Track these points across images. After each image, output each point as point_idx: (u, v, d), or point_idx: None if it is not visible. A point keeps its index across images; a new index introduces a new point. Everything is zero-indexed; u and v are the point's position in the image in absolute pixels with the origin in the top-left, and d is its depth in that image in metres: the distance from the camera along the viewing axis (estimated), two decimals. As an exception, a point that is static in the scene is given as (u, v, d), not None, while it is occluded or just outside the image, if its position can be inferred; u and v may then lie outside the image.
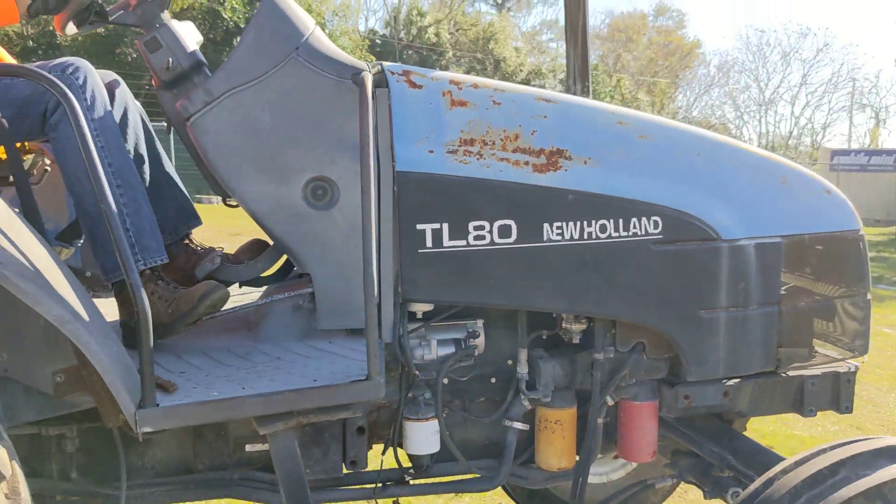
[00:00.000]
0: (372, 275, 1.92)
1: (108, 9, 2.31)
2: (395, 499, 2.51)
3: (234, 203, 2.42)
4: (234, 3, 28.27)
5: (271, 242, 2.47)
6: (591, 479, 3.06)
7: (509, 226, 2.28)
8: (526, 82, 36.44)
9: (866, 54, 73.42)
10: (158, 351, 2.10)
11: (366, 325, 1.96)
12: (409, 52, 34.76)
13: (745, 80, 52.49)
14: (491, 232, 2.28)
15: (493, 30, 36.85)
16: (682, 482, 3.36)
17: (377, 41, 33.72)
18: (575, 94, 2.70)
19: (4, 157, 2.32)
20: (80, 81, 2.06)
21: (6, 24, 2.22)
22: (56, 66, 2.06)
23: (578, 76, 2.75)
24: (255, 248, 2.66)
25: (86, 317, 1.76)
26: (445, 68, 35.47)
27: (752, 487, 2.03)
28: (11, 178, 2.19)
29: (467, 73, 35.12)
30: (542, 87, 37.45)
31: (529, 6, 46.11)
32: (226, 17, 28.04)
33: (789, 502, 1.91)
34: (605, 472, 3.50)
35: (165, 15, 2.30)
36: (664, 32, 46.04)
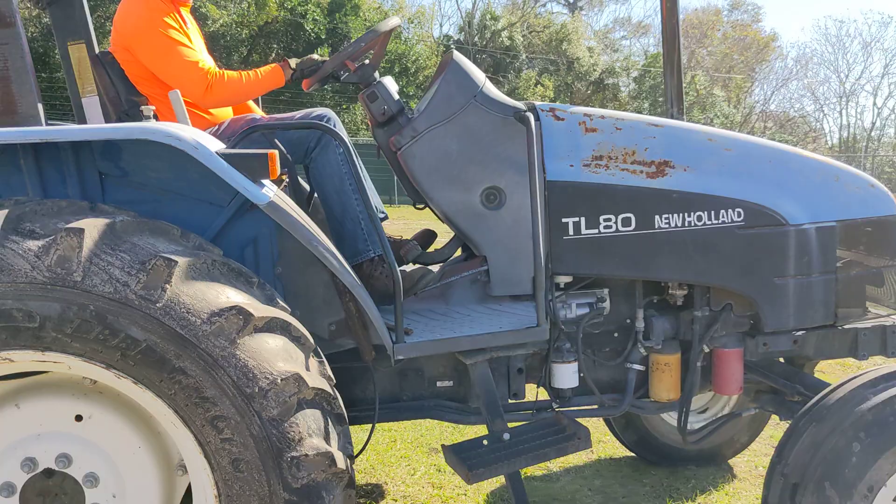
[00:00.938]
0: (541, 255, 2.79)
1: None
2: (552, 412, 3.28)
3: (422, 206, 3.31)
4: (315, 15, 29.57)
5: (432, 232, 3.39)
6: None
7: (630, 218, 3.05)
8: (600, 81, 36.66)
9: (952, 39, 70.50)
10: (388, 311, 2.99)
11: (534, 289, 2.83)
12: (483, 55, 35.40)
13: (825, 72, 51.35)
14: (616, 223, 3.05)
15: (566, 31, 37.01)
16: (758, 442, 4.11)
17: (451, 46, 34.42)
18: (672, 115, 3.47)
19: (274, 177, 3.27)
20: (332, 124, 2.97)
21: (274, 88, 3.13)
22: (316, 117, 2.98)
23: (675, 101, 3.54)
24: (426, 234, 3.49)
25: (358, 283, 2.67)
26: (519, 71, 36.04)
27: (816, 398, 2.76)
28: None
29: (541, 74, 35.62)
30: (616, 84, 37.61)
31: (602, 4, 46.13)
32: (307, 28, 29.38)
33: (843, 405, 2.63)
34: (699, 420, 4.26)
35: (377, 73, 3.20)
36: (739, 27, 44.97)
